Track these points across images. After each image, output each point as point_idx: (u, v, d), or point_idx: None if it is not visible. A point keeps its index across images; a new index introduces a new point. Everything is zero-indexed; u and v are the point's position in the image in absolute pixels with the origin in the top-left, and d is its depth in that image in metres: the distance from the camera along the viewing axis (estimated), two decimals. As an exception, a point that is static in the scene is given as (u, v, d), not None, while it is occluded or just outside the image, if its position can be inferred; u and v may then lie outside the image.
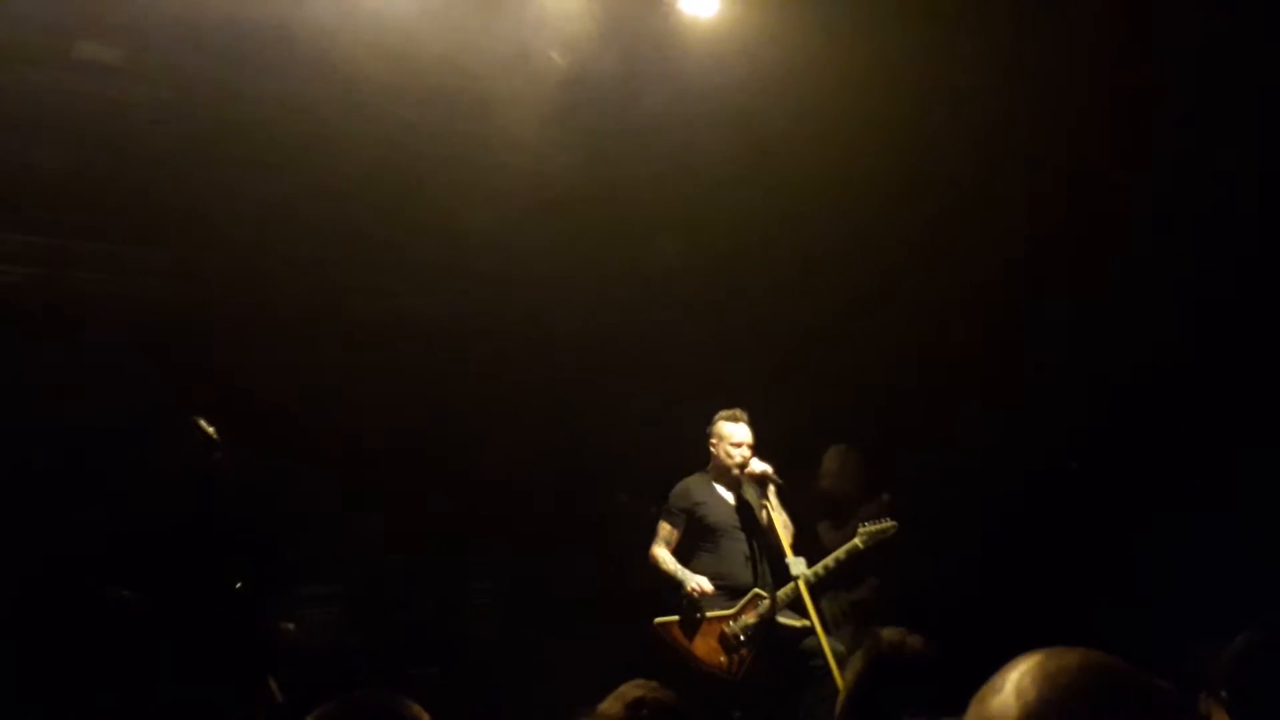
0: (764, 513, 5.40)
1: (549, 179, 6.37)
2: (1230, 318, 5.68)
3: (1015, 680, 1.30)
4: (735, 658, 5.27)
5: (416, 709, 2.11)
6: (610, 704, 2.32)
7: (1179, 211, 5.76)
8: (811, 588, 5.20)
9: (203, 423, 5.11)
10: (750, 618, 5.30)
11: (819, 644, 5.04)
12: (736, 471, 5.44)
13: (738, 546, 5.41)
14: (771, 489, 5.43)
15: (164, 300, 6.05)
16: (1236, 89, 5.35)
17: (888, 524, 5.48)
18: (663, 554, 5.43)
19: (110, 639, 4.87)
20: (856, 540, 5.43)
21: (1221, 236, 5.60)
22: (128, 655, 4.82)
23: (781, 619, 5.29)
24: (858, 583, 5.93)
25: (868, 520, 5.53)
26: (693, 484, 5.55)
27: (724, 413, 5.53)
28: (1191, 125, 5.56)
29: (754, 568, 5.38)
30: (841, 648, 5.11)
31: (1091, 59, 5.54)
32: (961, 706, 1.61)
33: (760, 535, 5.42)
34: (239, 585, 5.14)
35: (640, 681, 2.36)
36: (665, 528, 5.49)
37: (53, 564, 5.06)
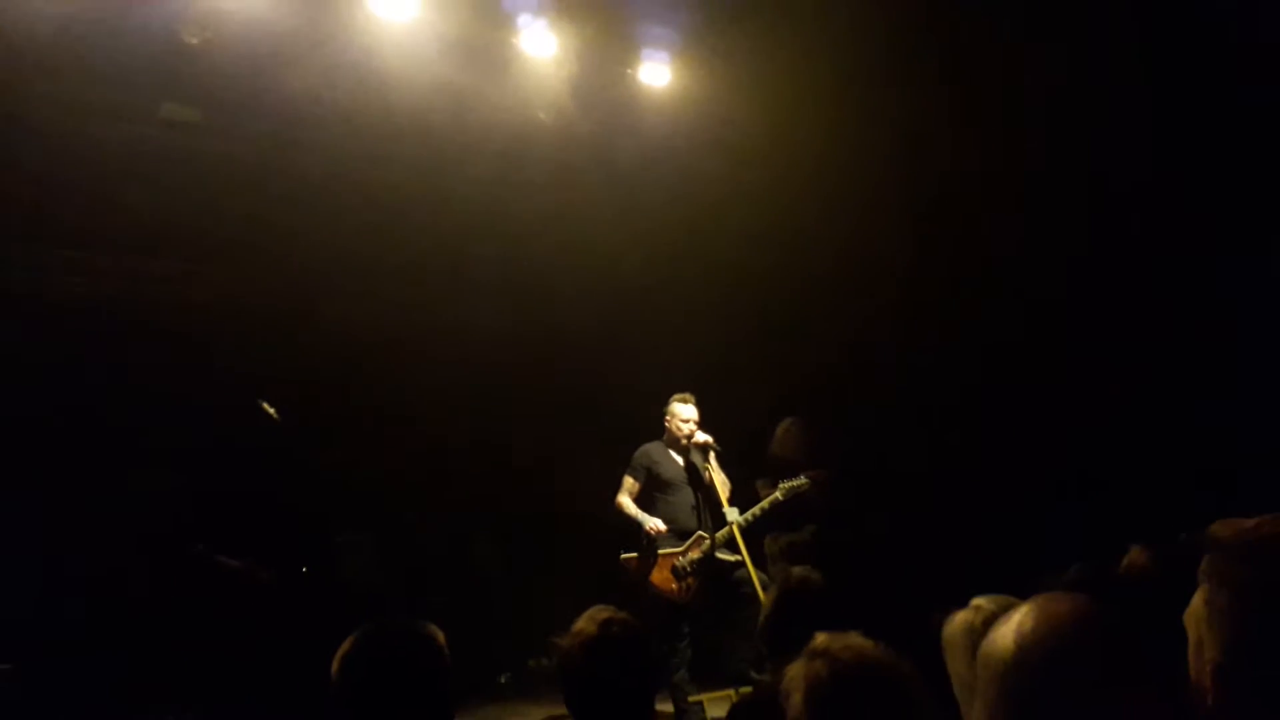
0: (706, 473, 5.42)
1: (528, 211, 6.34)
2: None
3: (1018, 618, 1.25)
4: (683, 585, 5.29)
5: (433, 628, 2.13)
6: (584, 623, 2.28)
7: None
8: (745, 531, 5.23)
9: (266, 405, 5.06)
10: (695, 554, 5.32)
11: (748, 574, 5.09)
12: (685, 441, 5.45)
13: (686, 498, 5.41)
14: (712, 455, 5.43)
15: (228, 307, 5.96)
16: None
17: (801, 480, 5.49)
18: (626, 502, 5.43)
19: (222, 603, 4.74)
20: (777, 493, 5.44)
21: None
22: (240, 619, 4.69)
23: (719, 555, 5.29)
24: (799, 528, 5.94)
25: (789, 478, 5.56)
26: (651, 448, 5.54)
27: (677, 395, 5.52)
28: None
29: (698, 515, 5.39)
30: (766, 578, 5.16)
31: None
32: (856, 628, 1.64)
33: (703, 490, 5.41)
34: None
35: (604, 606, 2.35)
36: (629, 481, 5.48)
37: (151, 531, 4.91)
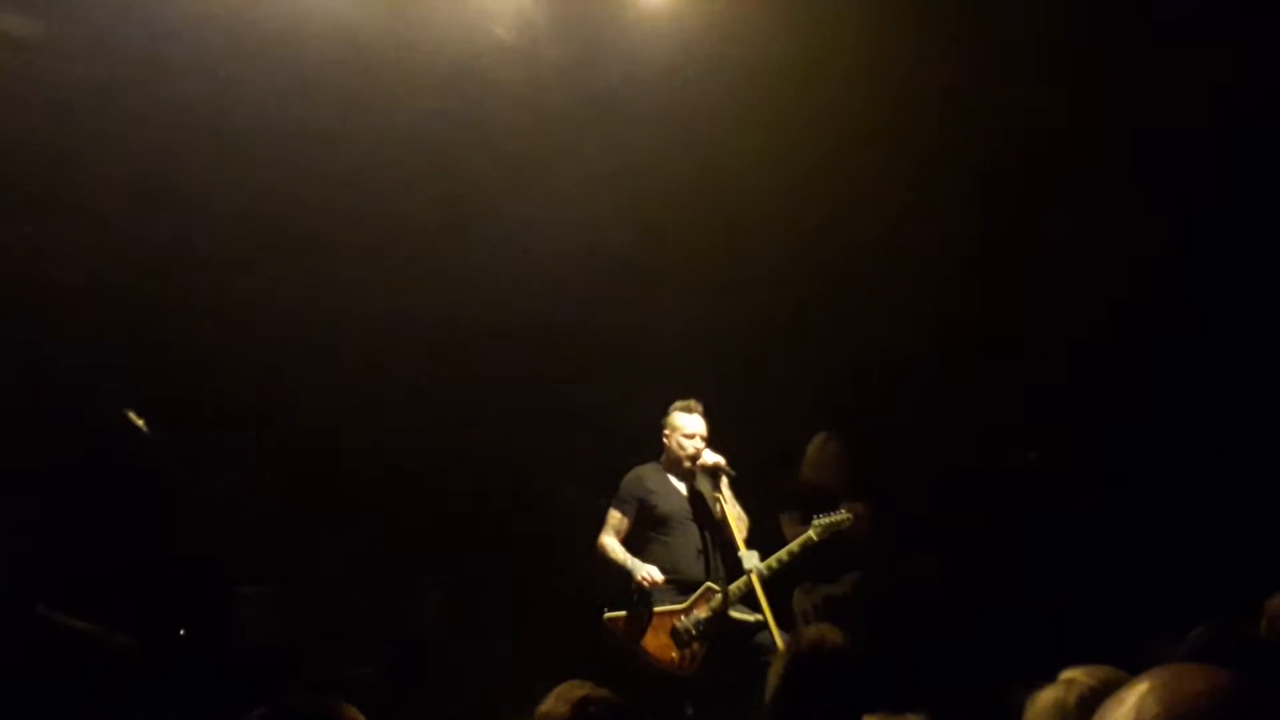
0: (717, 505, 5.41)
1: (484, 159, 6.31)
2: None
3: (1135, 701, 1.26)
4: (686, 653, 5.28)
5: (351, 710, 2.09)
6: (553, 704, 2.33)
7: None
8: (767, 582, 5.22)
9: (133, 415, 5.04)
10: (702, 612, 5.30)
11: (772, 639, 5.07)
12: (689, 463, 5.45)
13: (689, 539, 5.42)
14: (724, 481, 5.43)
15: (82, 284, 5.87)
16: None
17: (843, 515, 5.49)
18: (611, 543, 5.42)
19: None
20: (810, 532, 5.45)
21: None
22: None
23: (733, 613, 5.30)
24: (837, 578, 5.92)
25: (825, 512, 5.53)
26: (645, 473, 5.55)
27: (678, 403, 5.54)
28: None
29: (706, 561, 5.39)
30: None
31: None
32: (889, 698, 1.61)
33: (713, 527, 5.43)
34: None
35: (578, 682, 2.37)
36: (615, 516, 5.47)
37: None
